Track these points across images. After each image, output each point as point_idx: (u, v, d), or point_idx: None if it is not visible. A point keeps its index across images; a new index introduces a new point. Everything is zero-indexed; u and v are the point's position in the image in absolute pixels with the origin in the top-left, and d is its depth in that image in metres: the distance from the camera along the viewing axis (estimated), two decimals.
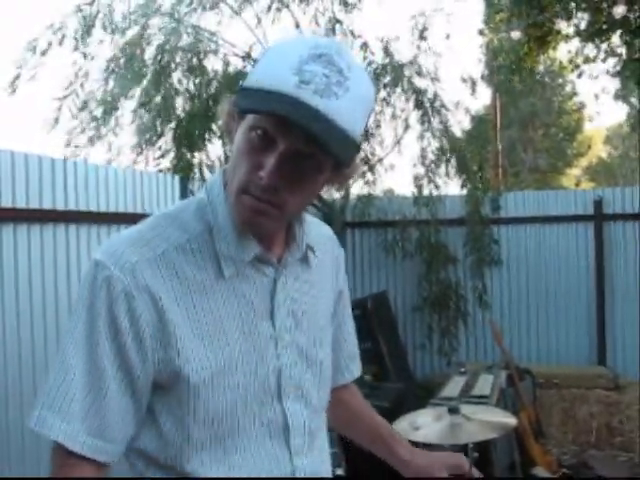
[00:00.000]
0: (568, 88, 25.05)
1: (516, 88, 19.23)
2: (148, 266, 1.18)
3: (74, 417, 1.15)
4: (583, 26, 9.69)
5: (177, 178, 5.14)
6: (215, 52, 6.76)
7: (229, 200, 1.20)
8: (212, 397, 1.21)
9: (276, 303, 1.28)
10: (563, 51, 13.07)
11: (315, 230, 1.41)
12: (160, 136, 6.07)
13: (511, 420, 3.50)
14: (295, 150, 1.11)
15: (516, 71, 10.38)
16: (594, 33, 8.84)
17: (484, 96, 28.21)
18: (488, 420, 3.16)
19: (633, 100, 17.43)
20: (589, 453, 5.99)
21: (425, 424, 2.97)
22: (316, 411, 1.36)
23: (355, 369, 1.63)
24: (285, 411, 1.29)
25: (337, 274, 1.50)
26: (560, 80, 24.75)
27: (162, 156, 5.95)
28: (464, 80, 7.39)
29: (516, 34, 10.39)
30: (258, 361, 1.25)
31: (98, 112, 6.31)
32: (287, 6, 6.88)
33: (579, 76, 11.53)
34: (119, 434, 1.19)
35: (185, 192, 4.99)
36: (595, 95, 27.18)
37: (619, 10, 8.98)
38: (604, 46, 9.97)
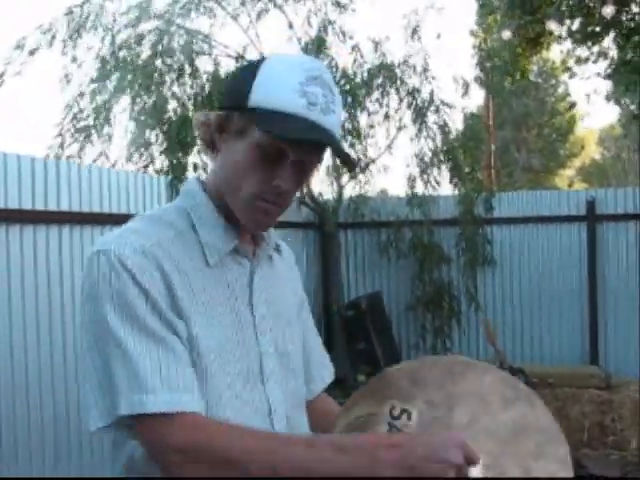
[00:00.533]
0: (561, 89, 25.15)
1: (509, 89, 19.29)
2: (153, 249, 1.25)
3: (162, 386, 1.17)
4: (575, 27, 9.73)
5: (167, 180, 5.14)
6: (209, 54, 6.77)
7: (233, 204, 1.31)
8: (212, 376, 1.25)
9: (254, 292, 1.36)
10: (556, 52, 13.10)
11: (276, 237, 1.51)
12: (149, 143, 6.07)
13: None
14: (303, 160, 1.28)
15: (511, 72, 10.41)
16: (586, 35, 8.88)
17: (477, 96, 28.26)
18: None
19: (625, 101, 17.51)
20: (582, 452, 6.01)
21: None
22: (292, 400, 1.41)
23: (327, 375, 1.64)
24: (268, 396, 1.34)
25: (297, 284, 1.59)
26: (553, 81, 24.84)
27: (153, 159, 5.95)
28: (456, 80, 7.40)
29: (509, 35, 10.41)
30: (243, 345, 1.31)
31: (90, 114, 6.30)
32: (280, 7, 6.90)
33: (571, 77, 11.59)
34: (195, 385, 1.21)
35: (176, 194, 4.98)
36: (587, 95, 27.31)
37: (608, 10, 9.01)
38: (596, 48, 10.01)
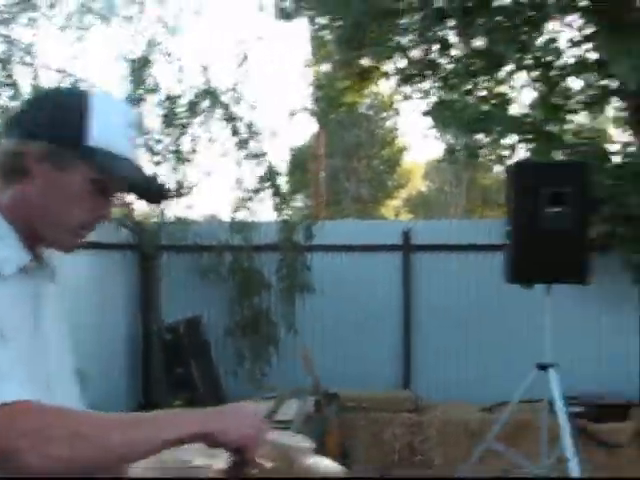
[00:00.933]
0: (391, 122, 26.17)
1: (342, 119, 19.86)
2: None
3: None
4: (401, 66, 10.17)
5: None
6: (29, 65, 6.52)
7: (51, 228, 1.38)
8: None
9: (42, 312, 1.37)
10: (386, 86, 13.60)
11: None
12: None
13: (307, 444, 3.59)
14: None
15: (335, 105, 10.72)
16: (409, 76, 9.32)
17: (310, 126, 28.84)
18: (284, 445, 3.23)
19: (446, 137, 18.48)
20: (391, 473, 6.24)
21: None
22: None
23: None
24: None
25: (63, 315, 1.59)
26: (384, 114, 25.82)
27: None
28: (286, 110, 7.57)
29: (333, 68, 10.74)
30: (37, 364, 1.31)
31: None
32: (107, 23, 6.77)
33: (397, 113, 12.09)
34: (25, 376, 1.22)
35: None
36: (405, 130, 28.60)
37: (418, 53, 9.51)
38: (420, 86, 10.49)
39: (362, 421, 6.71)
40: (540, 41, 8.01)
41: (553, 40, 7.95)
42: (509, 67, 8.20)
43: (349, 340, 7.50)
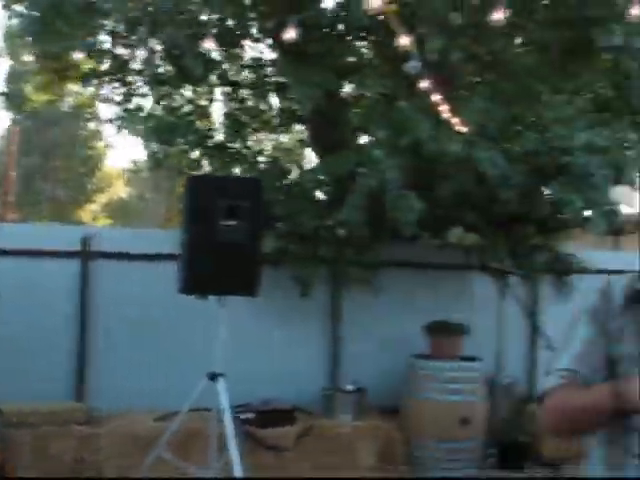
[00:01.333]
0: (94, 124, 25.41)
1: (39, 117, 18.92)
2: None
3: None
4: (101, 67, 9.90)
5: None
6: None
7: None
8: None
9: None
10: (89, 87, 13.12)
11: None
12: None
13: None
14: None
15: (25, 101, 10.19)
16: (100, 76, 9.13)
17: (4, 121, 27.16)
18: None
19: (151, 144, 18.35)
20: None
21: None
22: None
23: None
24: None
25: None
26: (88, 114, 24.99)
27: None
28: None
29: (32, 62, 10.21)
30: None
31: None
32: None
33: (94, 115, 11.78)
34: None
35: None
36: (108, 133, 27.97)
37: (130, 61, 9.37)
38: (118, 90, 10.29)
39: (28, 436, 6.39)
40: (234, 61, 8.29)
41: (257, 60, 8.28)
42: (202, 81, 8.35)
43: (22, 350, 7.06)
